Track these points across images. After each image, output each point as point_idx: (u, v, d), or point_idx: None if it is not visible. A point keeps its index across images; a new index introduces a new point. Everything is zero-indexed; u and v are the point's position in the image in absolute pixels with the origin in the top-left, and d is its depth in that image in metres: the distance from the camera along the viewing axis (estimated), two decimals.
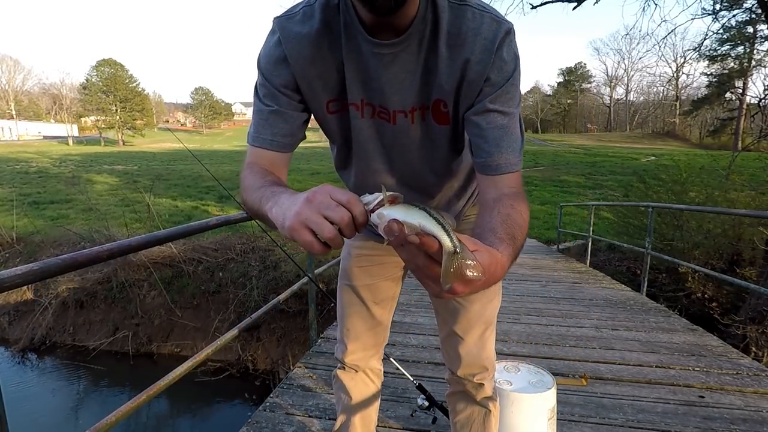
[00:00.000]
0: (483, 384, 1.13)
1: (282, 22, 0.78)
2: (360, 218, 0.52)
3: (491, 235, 0.61)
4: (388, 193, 0.52)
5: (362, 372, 1.21)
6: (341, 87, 0.81)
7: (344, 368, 1.20)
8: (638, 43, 53.44)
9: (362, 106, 0.82)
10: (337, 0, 0.75)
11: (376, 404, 1.26)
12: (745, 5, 8.25)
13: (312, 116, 0.87)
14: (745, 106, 28.36)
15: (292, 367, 2.55)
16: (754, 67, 25.80)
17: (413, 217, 0.48)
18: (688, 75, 56.14)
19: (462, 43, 0.73)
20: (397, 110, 0.81)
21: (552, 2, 6.88)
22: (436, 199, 0.99)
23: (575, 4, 6.87)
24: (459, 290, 0.47)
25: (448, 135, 0.85)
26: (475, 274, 0.46)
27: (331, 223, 0.51)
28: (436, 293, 0.49)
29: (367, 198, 0.54)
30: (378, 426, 1.32)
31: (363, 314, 1.15)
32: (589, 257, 6.29)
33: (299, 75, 0.79)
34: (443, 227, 0.47)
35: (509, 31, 0.74)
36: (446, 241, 0.46)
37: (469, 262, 0.46)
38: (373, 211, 0.52)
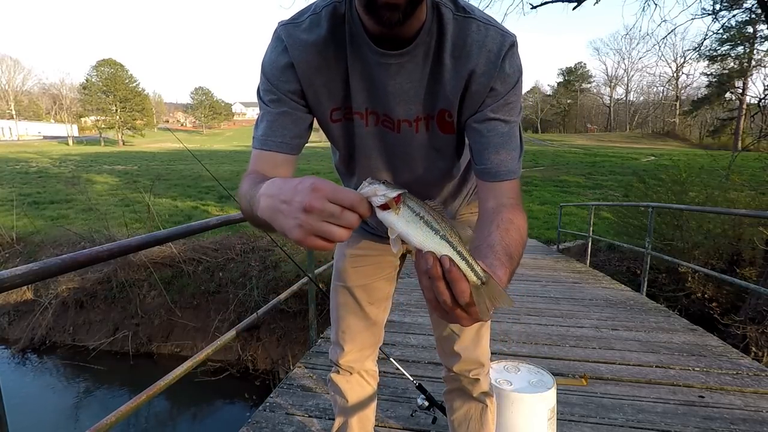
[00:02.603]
0: (479, 379, 1.15)
1: (288, 29, 0.77)
2: (366, 215, 0.50)
3: (490, 252, 0.61)
4: (392, 194, 0.48)
5: (357, 374, 1.20)
6: (345, 96, 0.81)
7: (339, 371, 1.20)
8: (638, 43, 53.63)
9: (366, 115, 0.83)
10: (343, 9, 0.76)
11: (373, 405, 1.26)
12: (745, 5, 8.24)
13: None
14: (745, 106, 28.35)
15: (292, 367, 2.55)
16: (754, 67, 25.79)
17: (427, 240, 0.46)
18: (688, 75, 56.24)
19: (467, 55, 0.75)
20: (402, 119, 0.82)
21: (552, 2, 6.88)
22: (435, 201, 1.00)
23: (575, 4, 6.86)
24: (467, 323, 0.48)
25: (453, 143, 0.87)
26: (505, 303, 0.46)
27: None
28: (447, 320, 0.50)
29: (367, 190, 0.50)
30: (378, 426, 1.32)
31: (358, 315, 1.15)
32: (589, 257, 6.29)
33: (305, 83, 0.79)
34: (464, 256, 0.46)
35: (513, 44, 0.75)
36: (471, 276, 0.46)
37: (498, 292, 0.46)
38: (384, 207, 0.49)
